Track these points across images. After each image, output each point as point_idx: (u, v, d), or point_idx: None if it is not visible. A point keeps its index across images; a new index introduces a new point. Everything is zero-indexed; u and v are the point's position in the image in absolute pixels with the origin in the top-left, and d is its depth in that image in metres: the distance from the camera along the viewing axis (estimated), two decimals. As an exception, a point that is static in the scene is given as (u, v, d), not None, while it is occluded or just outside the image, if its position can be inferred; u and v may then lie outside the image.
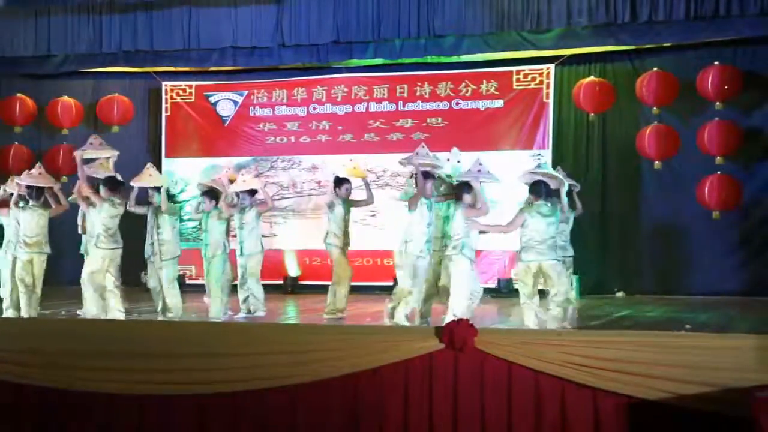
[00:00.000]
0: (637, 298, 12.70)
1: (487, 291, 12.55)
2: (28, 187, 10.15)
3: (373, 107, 14.06)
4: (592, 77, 13.11)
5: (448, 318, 8.61)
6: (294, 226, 14.20)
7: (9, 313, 10.09)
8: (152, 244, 10.23)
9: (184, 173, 14.48)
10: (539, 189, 9.08)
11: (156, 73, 14.54)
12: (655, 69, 12.54)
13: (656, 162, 12.53)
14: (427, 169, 9.16)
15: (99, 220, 9.80)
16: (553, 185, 9.19)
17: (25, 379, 8.38)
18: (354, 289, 10.79)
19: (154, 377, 8.10)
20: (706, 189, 12.30)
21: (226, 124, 14.57)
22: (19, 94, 14.53)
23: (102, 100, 14.62)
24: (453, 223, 8.93)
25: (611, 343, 7.47)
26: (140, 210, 10.34)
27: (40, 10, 13.32)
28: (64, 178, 14.07)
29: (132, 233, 10.69)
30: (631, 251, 13.36)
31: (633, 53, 13.17)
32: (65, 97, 14.66)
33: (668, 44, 12.64)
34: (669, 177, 12.97)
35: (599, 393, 7.19)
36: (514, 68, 13.49)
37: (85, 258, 10.24)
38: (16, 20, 13.42)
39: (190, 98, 14.67)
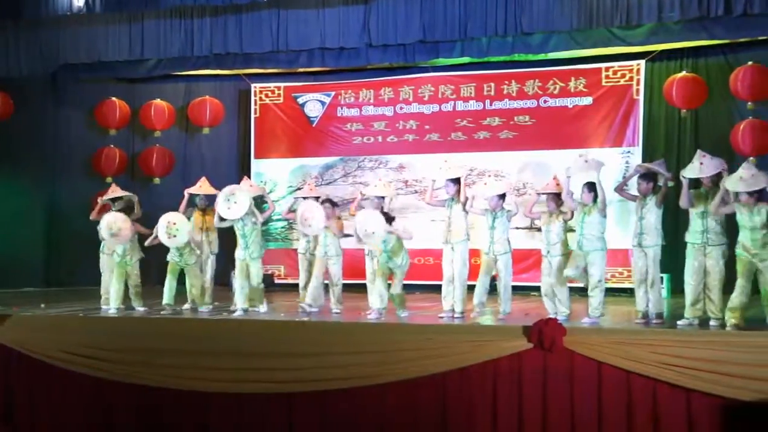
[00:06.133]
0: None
1: (575, 290, 12.43)
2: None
3: (460, 106, 14.01)
4: (684, 72, 12.84)
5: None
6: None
7: None
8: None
9: (272, 174, 14.65)
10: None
11: (245, 75, 14.74)
12: (750, 63, 12.22)
13: (751, 158, 12.16)
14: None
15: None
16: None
17: (119, 376, 8.60)
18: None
19: (245, 375, 8.23)
20: (805, 186, 11.92)
21: (313, 125, 14.69)
22: (113, 98, 14.88)
23: (193, 103, 14.88)
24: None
25: (705, 343, 7.35)
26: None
27: (134, 15, 13.60)
28: (157, 180, 14.38)
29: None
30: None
31: (726, 47, 12.85)
32: (158, 100, 14.96)
33: (763, 37, 12.29)
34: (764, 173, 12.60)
35: (693, 393, 7.08)
36: (603, 65, 13.29)
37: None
38: (111, 26, 13.74)
39: (279, 99, 14.84)
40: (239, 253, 10.43)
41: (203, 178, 11.62)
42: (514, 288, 11.59)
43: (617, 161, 12.86)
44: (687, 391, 7.08)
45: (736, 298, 8.33)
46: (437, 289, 10.22)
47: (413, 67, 14.07)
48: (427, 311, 10.48)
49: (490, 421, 7.64)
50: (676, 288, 11.77)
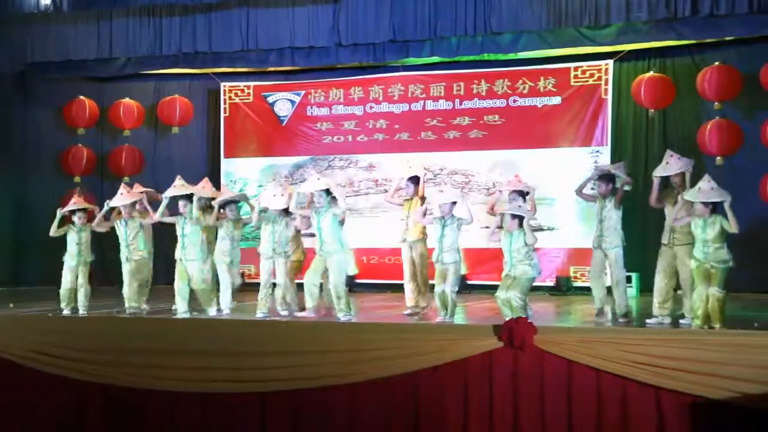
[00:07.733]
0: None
1: (545, 289, 12.51)
2: None
3: (430, 105, 14.02)
4: (651, 72, 12.93)
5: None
6: (351, 224, 14.18)
7: None
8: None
9: (242, 173, 14.61)
10: None
11: (215, 74, 14.69)
12: (716, 63, 12.33)
13: (718, 158, 12.31)
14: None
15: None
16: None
17: (89, 376, 8.54)
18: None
19: (216, 375, 8.20)
20: (770, 185, 12.07)
21: (283, 124, 14.65)
22: (82, 97, 14.77)
23: (163, 102, 14.80)
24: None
25: (674, 341, 7.40)
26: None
27: (103, 13, 13.53)
28: (126, 179, 14.28)
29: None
30: (693, 248, 13.12)
31: (694, 47, 12.96)
32: (127, 99, 14.86)
33: (730, 38, 12.42)
34: (731, 173, 12.68)
35: (662, 392, 7.13)
36: (571, 65, 13.34)
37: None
38: (80, 24, 13.65)
39: (249, 98, 14.78)
40: (177, 253, 10.13)
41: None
42: (482, 287, 11.68)
43: (586, 161, 12.93)
44: (656, 390, 7.13)
45: (698, 303, 8.25)
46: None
47: (383, 66, 14.08)
48: (393, 310, 10.50)
49: (461, 419, 7.66)
50: (645, 287, 11.92)
